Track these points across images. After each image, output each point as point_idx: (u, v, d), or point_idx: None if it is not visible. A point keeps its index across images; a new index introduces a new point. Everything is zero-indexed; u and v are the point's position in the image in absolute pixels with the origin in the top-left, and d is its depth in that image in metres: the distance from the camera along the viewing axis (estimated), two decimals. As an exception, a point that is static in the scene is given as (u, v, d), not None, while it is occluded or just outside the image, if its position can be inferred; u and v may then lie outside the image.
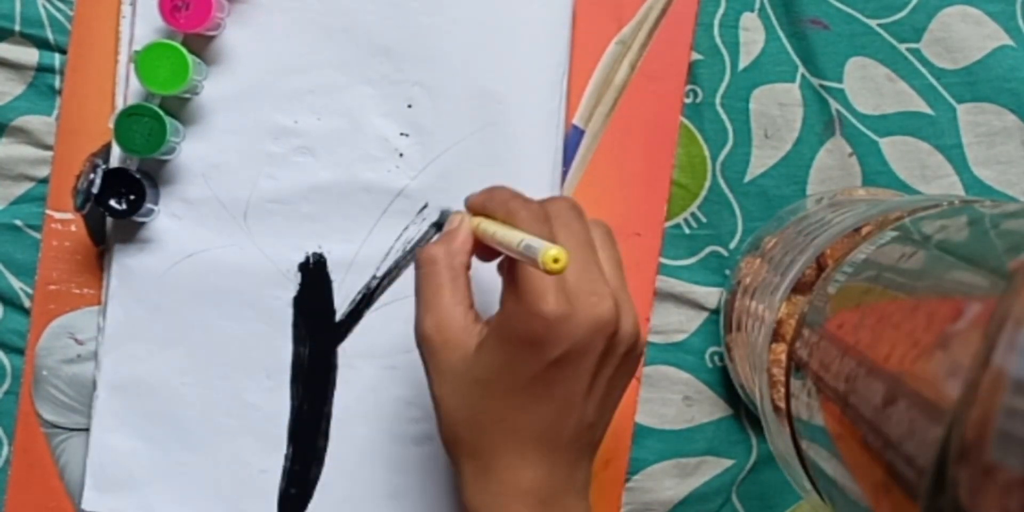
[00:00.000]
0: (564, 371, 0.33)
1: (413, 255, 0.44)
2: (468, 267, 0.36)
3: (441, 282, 0.35)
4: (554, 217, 0.35)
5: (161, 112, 0.41)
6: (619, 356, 0.35)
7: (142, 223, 0.44)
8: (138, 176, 0.42)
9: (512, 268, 0.33)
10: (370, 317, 0.44)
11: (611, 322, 0.33)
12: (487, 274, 0.37)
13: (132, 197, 0.42)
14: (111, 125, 0.41)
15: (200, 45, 0.43)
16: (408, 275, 0.44)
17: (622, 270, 0.36)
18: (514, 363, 0.33)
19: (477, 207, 0.37)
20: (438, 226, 0.44)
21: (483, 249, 0.36)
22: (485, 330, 0.34)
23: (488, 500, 0.35)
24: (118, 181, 0.42)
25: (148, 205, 0.43)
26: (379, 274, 0.44)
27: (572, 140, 0.45)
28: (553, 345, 0.32)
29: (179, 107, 0.43)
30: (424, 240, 0.44)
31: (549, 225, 0.34)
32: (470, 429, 0.35)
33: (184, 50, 0.41)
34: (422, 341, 0.35)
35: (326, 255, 0.44)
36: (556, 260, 0.29)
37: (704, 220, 0.45)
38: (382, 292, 0.44)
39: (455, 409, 0.35)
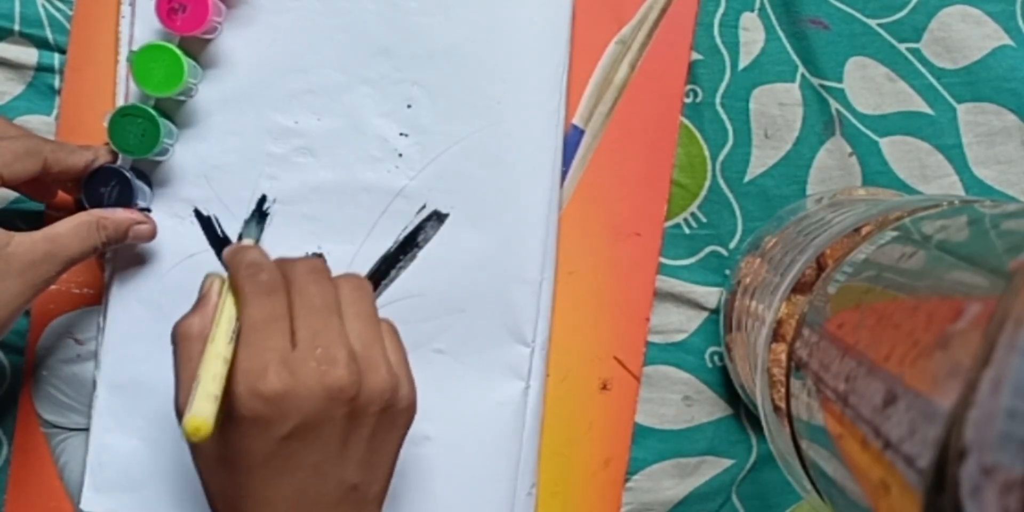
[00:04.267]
0: (302, 443, 0.32)
1: (414, 255, 0.44)
2: None
3: (192, 356, 0.34)
4: (291, 282, 0.35)
5: (155, 113, 0.41)
6: (372, 415, 0.34)
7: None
8: (130, 176, 0.42)
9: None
10: (370, 317, 0.44)
11: (346, 388, 0.33)
12: None
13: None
14: (105, 124, 0.41)
15: (197, 48, 0.43)
16: (408, 276, 0.44)
17: (374, 325, 0.36)
18: (245, 442, 0.32)
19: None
20: (439, 216, 0.44)
21: None
22: None
23: None
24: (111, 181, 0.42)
25: (140, 203, 0.43)
26: (378, 274, 0.44)
27: (572, 140, 0.45)
28: (279, 422, 0.32)
29: (174, 109, 0.43)
30: (419, 234, 0.44)
31: (282, 294, 0.34)
32: (225, 504, 0.34)
33: (180, 52, 0.41)
34: (178, 418, 0.34)
35: (326, 255, 0.44)
36: (197, 430, 0.30)
37: (704, 220, 0.45)
38: (381, 293, 0.44)
39: (209, 484, 0.34)
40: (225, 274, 0.37)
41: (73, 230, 0.39)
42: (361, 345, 0.34)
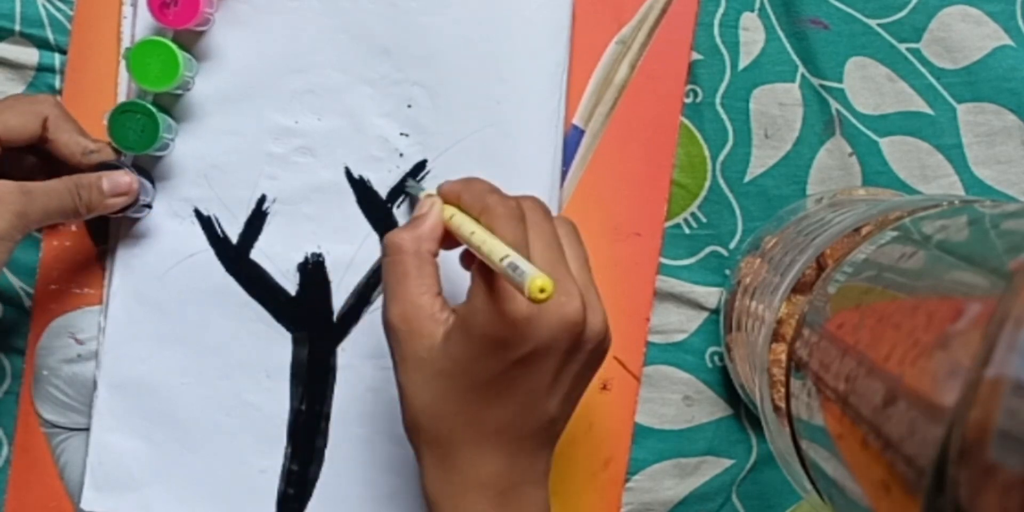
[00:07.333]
0: (528, 369, 0.33)
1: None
2: (436, 254, 0.36)
3: (407, 270, 0.35)
4: (526, 216, 0.35)
5: (153, 108, 0.41)
6: (586, 353, 0.34)
7: (141, 222, 0.44)
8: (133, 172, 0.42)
9: (483, 264, 0.33)
10: (369, 317, 0.44)
11: (578, 322, 0.33)
12: (455, 260, 0.38)
13: None
14: (105, 122, 0.41)
15: (191, 40, 0.43)
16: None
17: (588, 268, 0.36)
18: (478, 359, 0.33)
19: (452, 197, 0.37)
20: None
21: (449, 237, 0.36)
22: (452, 319, 0.34)
23: (447, 490, 0.35)
24: None
25: (143, 199, 0.43)
26: (377, 275, 0.44)
27: (572, 140, 0.45)
28: (518, 345, 0.32)
29: (172, 104, 0.44)
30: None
31: (523, 222, 0.34)
32: (431, 419, 0.35)
33: (174, 46, 0.41)
34: (388, 330, 0.35)
35: (325, 255, 0.44)
36: (542, 290, 0.28)
37: (704, 220, 0.45)
38: (381, 292, 0.44)
39: (417, 398, 0.34)
40: (434, 194, 0.37)
41: (48, 185, 0.39)
42: (583, 285, 0.35)
